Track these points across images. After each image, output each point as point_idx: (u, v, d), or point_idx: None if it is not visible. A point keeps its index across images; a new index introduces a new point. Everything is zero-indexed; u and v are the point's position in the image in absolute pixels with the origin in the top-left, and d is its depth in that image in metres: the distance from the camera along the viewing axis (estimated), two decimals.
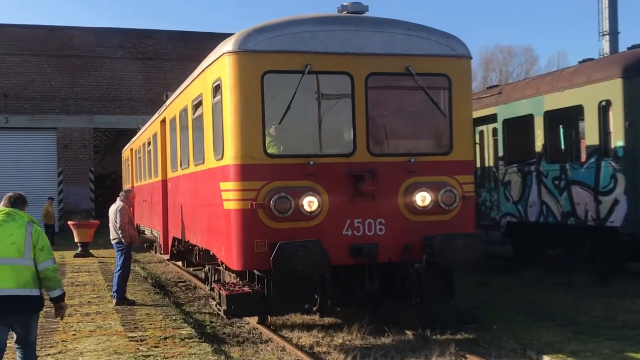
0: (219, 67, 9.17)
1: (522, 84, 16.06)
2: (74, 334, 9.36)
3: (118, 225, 12.14)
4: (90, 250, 21.34)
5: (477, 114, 16.83)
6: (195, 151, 11.24)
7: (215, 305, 9.93)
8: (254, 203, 8.55)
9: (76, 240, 21.15)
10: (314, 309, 9.32)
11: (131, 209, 13.06)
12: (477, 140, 17.37)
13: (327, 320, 10.78)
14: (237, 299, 8.88)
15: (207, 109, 10.02)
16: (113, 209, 12.41)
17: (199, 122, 10.69)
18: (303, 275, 8.45)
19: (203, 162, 10.39)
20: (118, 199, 12.62)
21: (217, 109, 9.38)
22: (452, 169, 9.33)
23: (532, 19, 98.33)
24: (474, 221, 9.67)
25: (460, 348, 8.65)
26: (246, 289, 9.08)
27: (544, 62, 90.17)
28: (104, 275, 16.02)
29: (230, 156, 8.78)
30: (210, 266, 11.55)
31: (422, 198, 9.06)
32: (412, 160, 9.17)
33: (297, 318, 10.90)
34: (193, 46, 35.35)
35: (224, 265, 9.95)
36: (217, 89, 9.35)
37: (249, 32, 8.86)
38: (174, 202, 13.98)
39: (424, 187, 9.07)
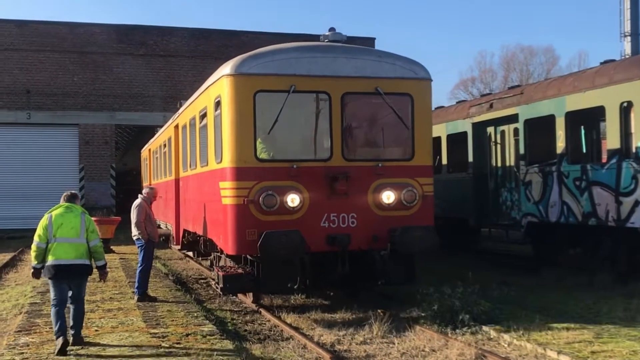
0: (220, 86, 11.02)
1: (544, 84, 15.98)
2: (96, 330, 9.44)
3: (134, 222, 12.29)
4: (112, 247, 21.52)
5: (498, 114, 16.83)
6: (201, 155, 13.13)
7: (214, 284, 12.04)
8: (246, 199, 10.37)
9: None
10: (295, 287, 10.71)
11: (151, 206, 13.18)
12: (498, 140, 17.33)
13: (348, 318, 10.85)
14: (232, 278, 10.75)
15: (210, 120, 11.92)
16: (132, 206, 12.56)
17: (204, 130, 12.63)
18: (284, 258, 10.20)
19: (207, 164, 12.27)
20: (139, 196, 12.76)
21: (217, 120, 11.20)
22: (413, 172, 11.12)
23: (553, 19, 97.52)
24: (433, 216, 11.33)
25: (480, 347, 8.67)
26: (240, 270, 10.94)
27: (565, 62, 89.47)
28: (125, 271, 16.16)
29: (228, 160, 10.60)
30: (214, 254, 13.14)
31: (388, 196, 10.84)
32: (380, 165, 10.95)
33: (317, 316, 10.98)
34: (214, 43, 35.53)
35: (223, 252, 11.62)
36: (218, 104, 11.16)
37: (244, 58, 10.77)
38: (184, 199, 15.87)
39: (390, 187, 10.85)
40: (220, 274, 10.91)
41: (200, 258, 17.15)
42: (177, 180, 17.09)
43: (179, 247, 17.73)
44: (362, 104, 11.33)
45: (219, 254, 12.52)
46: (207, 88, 12.23)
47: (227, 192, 10.68)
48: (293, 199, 10.42)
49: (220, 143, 10.94)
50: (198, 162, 13.48)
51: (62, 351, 8.03)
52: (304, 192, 10.53)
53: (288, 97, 10.51)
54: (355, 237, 10.64)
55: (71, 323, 8.51)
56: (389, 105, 11.00)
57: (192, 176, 14.45)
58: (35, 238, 8.46)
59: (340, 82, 10.85)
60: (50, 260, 8.33)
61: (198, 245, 15.07)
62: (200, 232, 13.53)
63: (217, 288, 11.66)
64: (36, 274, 8.55)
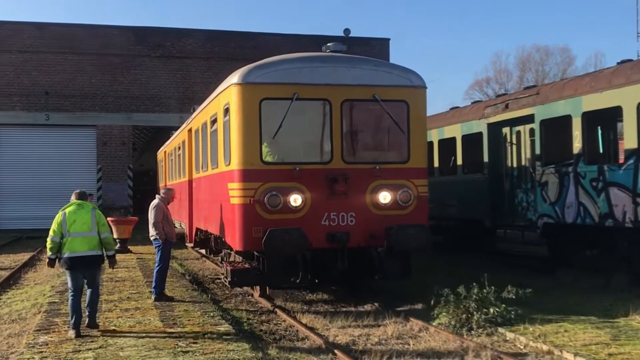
0: (228, 94, 11.77)
1: (560, 84, 15.92)
2: (114, 329, 9.56)
3: (152, 222, 12.38)
4: (129, 247, 21.69)
5: (513, 114, 16.78)
6: (212, 157, 13.98)
7: (224, 278, 12.77)
8: (252, 199, 11.06)
9: (115, 236, 21.37)
10: (298, 281, 11.37)
11: (169, 207, 13.28)
12: (514, 141, 17.27)
13: (362, 319, 10.88)
14: (239, 272, 11.46)
15: (220, 125, 12.70)
16: (150, 206, 12.65)
17: (214, 134, 13.49)
18: (287, 254, 10.85)
19: (217, 167, 13.11)
20: (157, 197, 12.86)
21: (226, 126, 11.94)
22: (409, 174, 11.73)
23: (569, 19, 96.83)
24: (427, 215, 11.93)
25: (496, 349, 8.67)
26: (246, 265, 11.70)
27: (581, 62, 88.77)
28: (142, 271, 16.30)
29: (235, 162, 11.32)
30: (225, 251, 13.80)
31: (384, 197, 11.46)
32: (377, 167, 11.58)
33: (332, 316, 11.02)
34: (231, 45, 35.67)
35: (232, 249, 12.33)
36: (227, 111, 11.91)
37: (251, 69, 11.48)
38: (197, 199, 16.84)
39: (386, 188, 11.47)
40: (229, 268, 11.69)
41: (212, 255, 18.08)
42: (190, 181, 18.00)
43: (191, 244, 18.71)
44: (361, 110, 11.90)
45: (229, 250, 13.18)
46: (217, 95, 13.06)
47: (234, 192, 11.40)
48: (295, 199, 11.11)
49: (229, 147, 11.69)
50: (209, 164, 14.33)
51: (78, 335, 9.08)
52: (305, 192, 11.19)
53: (291, 104, 11.20)
54: (353, 235, 11.28)
55: (87, 308, 9.53)
56: (385, 111, 11.65)
57: (204, 177, 15.32)
58: (50, 233, 9.44)
59: (340, 90, 11.51)
60: (66, 253, 9.34)
61: (209, 243, 16.00)
62: (211, 230, 14.44)
63: (225, 282, 12.37)
64: (51, 263, 9.57)
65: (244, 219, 11.11)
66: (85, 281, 9.57)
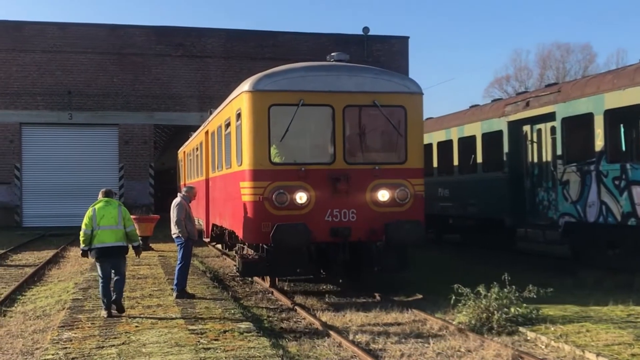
0: (240, 100, 12.74)
1: (582, 82, 15.80)
2: (136, 326, 9.64)
3: (175, 220, 12.46)
4: (151, 244, 21.86)
5: (534, 112, 16.69)
6: (226, 158, 14.90)
7: (236, 269, 13.81)
8: (261, 197, 11.97)
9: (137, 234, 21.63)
10: (303, 272, 12.58)
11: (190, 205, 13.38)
12: (535, 139, 17.17)
13: (382, 317, 10.90)
14: (249, 263, 12.59)
15: (233, 129, 13.62)
16: (172, 205, 12.74)
17: (228, 137, 14.42)
18: (292, 247, 11.75)
19: (230, 167, 14.03)
20: (179, 195, 12.94)
21: (239, 129, 12.87)
22: (406, 174, 12.53)
23: (590, 16, 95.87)
24: (423, 212, 12.73)
25: (517, 349, 8.65)
26: (256, 257, 12.71)
27: (602, 59, 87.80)
28: (164, 268, 16.43)
29: (246, 163, 12.25)
30: (239, 245, 14.69)
31: (383, 195, 12.29)
32: (377, 167, 12.40)
33: (353, 316, 11.04)
34: (251, 44, 35.81)
35: (245, 243, 13.42)
36: (239, 116, 12.84)
37: (260, 77, 12.43)
38: (213, 197, 17.97)
39: (385, 187, 12.30)
40: (239, 259, 12.90)
41: (227, 249, 19.42)
42: (207, 180, 19.11)
43: (208, 239, 19.84)
44: (362, 115, 12.72)
45: (242, 244, 14.16)
46: (230, 101, 14.11)
47: (246, 190, 12.35)
48: (301, 197, 12.00)
49: (241, 148, 12.60)
50: (224, 165, 15.31)
51: (109, 315, 10.36)
52: (310, 190, 12.07)
53: (297, 110, 12.08)
54: (354, 230, 12.13)
55: (114, 294, 10.56)
56: (384, 116, 12.52)
57: (219, 177, 16.36)
58: (83, 226, 10.62)
59: (342, 97, 12.36)
60: (96, 244, 10.56)
61: (224, 237, 17.18)
62: (225, 225, 15.57)
63: (237, 272, 13.56)
64: (84, 254, 10.79)
65: (254, 215, 12.06)
66: (113, 272, 10.66)
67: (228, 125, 14.39)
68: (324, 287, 14.06)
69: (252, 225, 12.12)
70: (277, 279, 13.89)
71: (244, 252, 14.01)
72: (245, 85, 12.55)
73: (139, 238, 11.37)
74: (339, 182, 12.09)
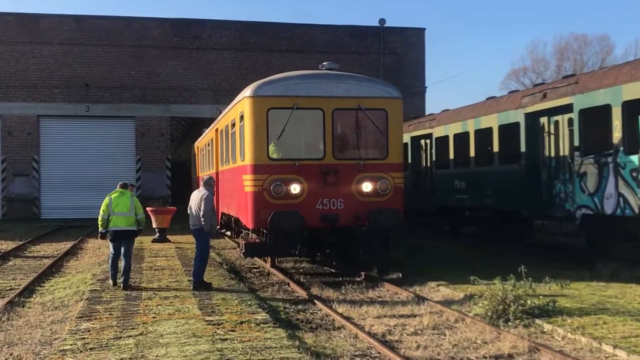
0: (243, 104, 14.58)
1: (600, 73, 15.65)
2: (154, 317, 9.71)
3: (202, 213, 12.36)
4: (168, 236, 21.97)
5: (551, 103, 16.57)
6: (232, 154, 16.84)
7: (240, 251, 15.83)
8: (260, 188, 13.66)
9: (154, 226, 21.71)
10: (297, 252, 14.08)
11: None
12: (552, 131, 17.06)
13: (398, 309, 10.92)
14: (251, 246, 14.24)
15: (237, 128, 15.47)
16: (198, 196, 12.53)
17: (234, 135, 16.29)
18: (287, 231, 13.41)
19: (235, 162, 15.99)
20: (203, 187, 12.78)
21: (242, 129, 14.66)
22: (387, 169, 14.28)
23: (608, 6, 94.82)
24: (402, 201, 14.46)
25: (533, 341, 8.63)
26: (257, 240, 14.52)
27: (620, 50, 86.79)
28: (180, 260, 16.52)
29: (248, 159, 13.99)
30: (245, 231, 16.45)
31: (367, 186, 14.00)
32: (361, 162, 14.11)
33: (369, 307, 11.07)
34: (267, 36, 35.82)
35: (249, 229, 15.08)
36: (242, 117, 14.66)
37: (260, 84, 14.23)
38: (222, 188, 19.94)
39: (369, 179, 14.03)
40: (243, 242, 14.58)
41: (235, 235, 21.30)
42: (217, 173, 21.08)
43: (218, 226, 21.11)
44: (348, 116, 14.35)
45: (247, 231, 15.82)
46: (235, 104, 16.05)
47: (247, 182, 14.05)
48: (295, 188, 13.65)
49: (243, 146, 14.39)
50: (230, 159, 17.26)
51: (115, 284, 12.54)
52: (303, 182, 13.73)
53: (292, 113, 13.74)
54: (342, 217, 13.87)
55: (122, 276, 12.35)
56: (368, 117, 14.21)
57: (227, 170, 18.40)
58: (100, 212, 12.57)
59: (331, 101, 14.06)
60: (111, 227, 12.55)
61: (231, 224, 19.69)
62: (232, 213, 17.58)
63: (241, 253, 15.22)
64: (102, 236, 12.79)
65: (255, 204, 13.70)
66: (122, 251, 12.56)
67: (233, 125, 16.19)
68: (340, 278, 14.27)
69: (253, 212, 13.75)
70: (276, 259, 15.85)
71: (249, 237, 15.70)
72: (247, 91, 14.32)
73: (144, 224, 13.16)
74: (328, 175, 13.75)
